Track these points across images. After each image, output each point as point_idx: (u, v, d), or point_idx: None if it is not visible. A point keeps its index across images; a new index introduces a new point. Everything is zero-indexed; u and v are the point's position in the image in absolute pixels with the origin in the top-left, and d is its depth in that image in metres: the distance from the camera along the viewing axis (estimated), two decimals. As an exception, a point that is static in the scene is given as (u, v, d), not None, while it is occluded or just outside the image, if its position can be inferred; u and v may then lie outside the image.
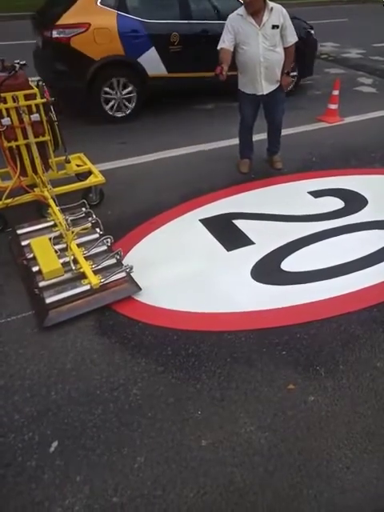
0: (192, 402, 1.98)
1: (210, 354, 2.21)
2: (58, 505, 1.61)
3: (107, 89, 4.83)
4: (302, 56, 5.65)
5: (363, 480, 1.70)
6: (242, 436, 1.85)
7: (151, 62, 4.86)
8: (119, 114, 5.06)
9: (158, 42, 4.81)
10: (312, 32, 5.94)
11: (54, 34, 4.48)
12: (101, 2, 4.60)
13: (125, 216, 3.31)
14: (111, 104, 4.95)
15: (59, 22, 4.49)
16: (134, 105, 5.07)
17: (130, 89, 4.93)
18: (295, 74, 5.75)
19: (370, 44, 9.39)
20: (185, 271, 2.76)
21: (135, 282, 2.58)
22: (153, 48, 4.81)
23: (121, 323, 2.39)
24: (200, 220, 3.28)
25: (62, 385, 2.05)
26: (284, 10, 3.40)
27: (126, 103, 5.04)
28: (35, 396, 2.00)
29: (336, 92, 5.12)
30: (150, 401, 1.98)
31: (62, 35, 4.48)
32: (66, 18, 4.51)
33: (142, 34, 4.73)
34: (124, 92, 4.93)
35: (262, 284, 2.67)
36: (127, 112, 5.08)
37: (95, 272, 2.56)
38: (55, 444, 1.81)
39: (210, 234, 3.13)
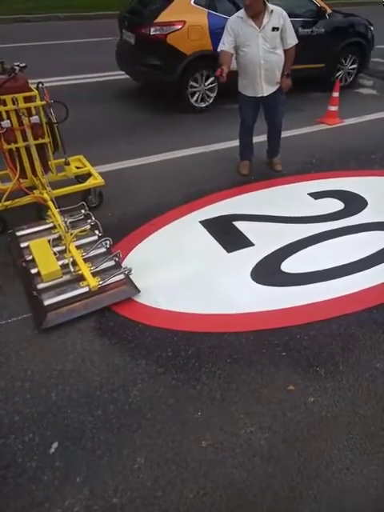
0: (192, 403, 1.98)
1: (210, 355, 2.21)
2: (58, 506, 1.61)
3: (192, 82, 5.28)
4: (363, 51, 6.25)
5: (363, 481, 1.70)
6: (241, 437, 1.85)
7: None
8: (202, 105, 5.50)
9: None
10: (371, 28, 6.34)
11: (152, 31, 4.92)
12: (194, 2, 5.11)
13: (125, 217, 3.32)
14: (196, 96, 5.40)
15: (157, 20, 4.93)
16: (214, 95, 5.49)
17: (210, 80, 5.35)
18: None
19: (369, 46, 9.39)
20: (185, 273, 2.77)
21: (134, 284, 2.58)
22: None
23: (121, 324, 2.39)
24: (200, 221, 3.28)
25: (62, 386, 2.05)
26: (284, 13, 3.41)
27: (209, 94, 5.47)
28: (35, 397, 2.00)
29: (336, 94, 5.13)
30: (150, 402, 1.98)
31: (159, 32, 4.93)
32: (164, 17, 4.95)
33: None
34: (206, 84, 5.37)
35: (262, 285, 2.68)
36: (209, 102, 5.52)
37: (94, 274, 2.56)
38: (55, 445, 1.81)
39: (210, 235, 3.14)
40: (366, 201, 3.57)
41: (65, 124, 3.09)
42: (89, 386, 2.05)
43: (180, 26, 4.92)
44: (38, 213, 3.15)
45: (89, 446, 1.80)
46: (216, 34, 5.04)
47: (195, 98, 5.38)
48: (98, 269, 2.62)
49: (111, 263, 2.68)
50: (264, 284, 2.68)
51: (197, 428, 1.88)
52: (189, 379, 2.09)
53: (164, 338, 2.31)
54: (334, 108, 5.22)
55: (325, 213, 3.40)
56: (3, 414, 1.92)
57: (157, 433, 1.86)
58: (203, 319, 2.44)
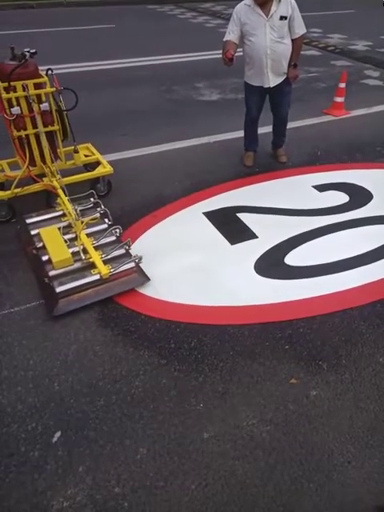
0: (194, 394, 1.98)
1: (213, 347, 2.21)
2: (61, 495, 1.62)
3: None
4: None
5: (365, 474, 1.71)
6: (243, 429, 1.85)
7: None
8: None
9: None
10: None
11: None
12: None
13: (128, 209, 3.30)
14: None
15: None
16: None
17: None
18: None
19: (377, 36, 9.28)
20: (188, 264, 2.76)
21: (144, 273, 2.59)
22: None
23: (124, 315, 2.39)
24: (204, 213, 3.26)
25: (64, 376, 2.06)
26: (293, 1, 3.34)
27: None
28: (38, 387, 2.01)
29: (342, 85, 5.07)
30: (153, 393, 1.99)
31: None
32: None
33: None
34: None
35: (265, 278, 2.66)
36: None
37: (104, 262, 2.56)
38: (58, 434, 1.82)
39: (213, 227, 3.12)
40: (371, 194, 3.54)
41: (73, 112, 3.06)
42: (91, 377, 2.05)
43: None
44: (47, 201, 3.15)
45: (91, 436, 1.81)
46: None
47: None
48: (109, 257, 2.62)
49: (121, 251, 2.68)
50: (267, 276, 2.67)
51: (199, 419, 1.88)
52: (191, 371, 2.09)
53: (167, 329, 2.31)
54: (340, 99, 5.16)
55: (329, 205, 3.37)
56: (6, 403, 1.93)
57: (159, 424, 1.86)
58: (206, 311, 2.44)
